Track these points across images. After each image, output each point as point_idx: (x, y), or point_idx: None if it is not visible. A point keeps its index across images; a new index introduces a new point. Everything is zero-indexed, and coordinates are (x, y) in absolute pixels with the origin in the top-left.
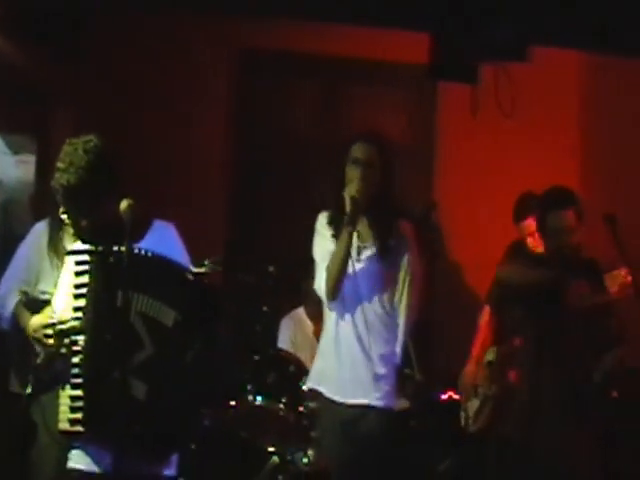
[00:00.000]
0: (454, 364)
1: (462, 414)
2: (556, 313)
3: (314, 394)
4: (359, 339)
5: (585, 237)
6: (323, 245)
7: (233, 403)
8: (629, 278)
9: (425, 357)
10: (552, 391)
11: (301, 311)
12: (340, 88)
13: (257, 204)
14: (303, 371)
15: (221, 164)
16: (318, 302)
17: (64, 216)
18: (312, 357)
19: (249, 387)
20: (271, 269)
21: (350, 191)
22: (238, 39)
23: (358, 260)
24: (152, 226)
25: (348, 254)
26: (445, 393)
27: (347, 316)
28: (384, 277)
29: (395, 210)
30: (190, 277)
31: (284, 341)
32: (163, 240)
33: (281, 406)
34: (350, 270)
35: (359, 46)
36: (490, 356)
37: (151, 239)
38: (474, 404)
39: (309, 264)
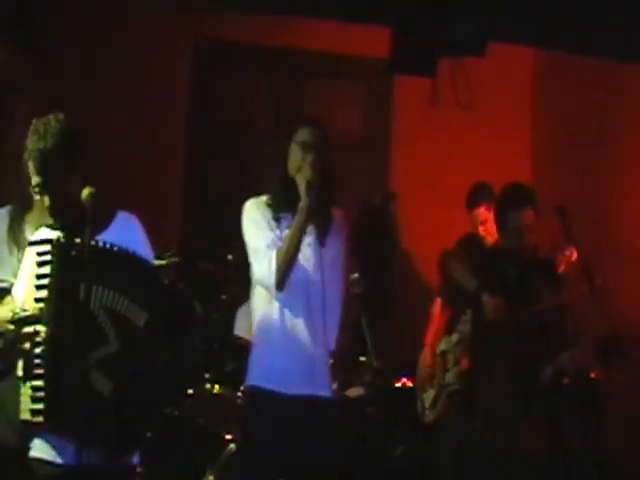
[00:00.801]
0: (409, 351)
1: (418, 404)
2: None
3: (251, 392)
4: (306, 326)
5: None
6: (265, 230)
7: (191, 391)
8: (574, 256)
9: (381, 344)
10: (503, 383)
11: None
12: (298, 81)
13: (216, 195)
14: None
15: (179, 156)
16: None
17: (36, 189)
18: None
19: (207, 375)
20: (230, 257)
21: (305, 176)
22: (196, 32)
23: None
24: (116, 217)
25: (300, 240)
26: (399, 380)
27: (292, 304)
28: (325, 263)
29: (332, 195)
30: (165, 281)
31: (241, 329)
32: (127, 232)
33: (239, 394)
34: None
35: (317, 39)
36: (443, 345)
37: (115, 230)
38: (430, 394)
39: None
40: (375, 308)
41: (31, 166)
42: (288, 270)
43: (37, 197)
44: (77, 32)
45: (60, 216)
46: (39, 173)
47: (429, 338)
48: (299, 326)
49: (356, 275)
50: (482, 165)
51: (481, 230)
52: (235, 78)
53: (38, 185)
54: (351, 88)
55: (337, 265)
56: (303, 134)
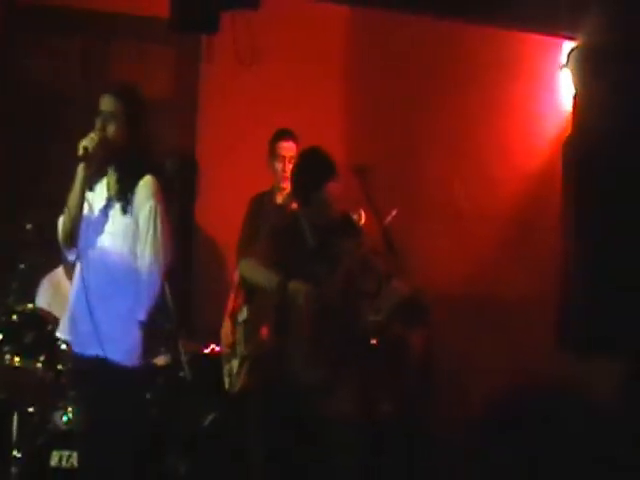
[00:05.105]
0: (215, 318)
1: (225, 375)
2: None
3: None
4: (103, 291)
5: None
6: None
7: None
8: (363, 219)
9: (185, 311)
10: (307, 343)
11: (60, 271)
12: (103, 44)
13: (16, 161)
14: None
15: None
16: None
17: None
18: None
19: (6, 347)
20: (29, 227)
21: (84, 141)
22: None
23: (105, 213)
24: None
25: (78, 200)
26: (207, 346)
27: (92, 268)
28: (128, 230)
29: (141, 163)
30: None
31: (41, 303)
32: None
33: (39, 365)
34: (97, 223)
35: (121, 1)
36: (245, 314)
37: None
38: (234, 364)
39: None
40: (177, 275)
41: None
42: (69, 227)
43: None
44: None
45: None
46: None
47: (229, 307)
48: (94, 288)
49: None
50: (291, 125)
51: (286, 167)
52: (39, 41)
53: None
54: (160, 51)
55: (140, 233)
56: (100, 103)
